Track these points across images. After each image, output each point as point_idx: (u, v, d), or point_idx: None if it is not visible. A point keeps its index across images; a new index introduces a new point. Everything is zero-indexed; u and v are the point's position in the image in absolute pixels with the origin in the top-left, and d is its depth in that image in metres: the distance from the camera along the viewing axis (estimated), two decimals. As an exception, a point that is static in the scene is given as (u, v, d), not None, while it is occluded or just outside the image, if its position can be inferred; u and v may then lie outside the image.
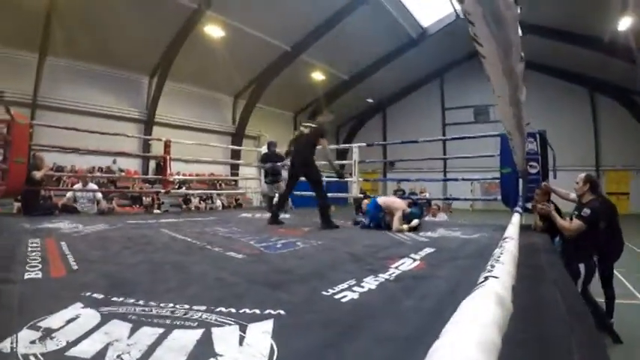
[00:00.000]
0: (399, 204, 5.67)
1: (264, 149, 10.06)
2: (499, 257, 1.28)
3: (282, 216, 7.95)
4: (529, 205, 5.77)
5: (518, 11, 1.54)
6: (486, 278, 0.97)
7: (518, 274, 1.33)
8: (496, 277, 0.97)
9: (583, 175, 4.77)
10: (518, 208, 4.80)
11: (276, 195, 8.28)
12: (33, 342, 1.51)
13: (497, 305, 0.78)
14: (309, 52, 20.27)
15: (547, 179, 6.08)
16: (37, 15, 14.03)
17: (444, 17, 21.03)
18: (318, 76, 22.81)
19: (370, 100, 28.34)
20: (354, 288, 2.44)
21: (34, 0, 13.43)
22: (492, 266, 1.13)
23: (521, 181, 6.18)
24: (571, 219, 4.64)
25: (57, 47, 15.41)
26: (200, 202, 16.57)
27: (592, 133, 23.57)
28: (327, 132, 6.35)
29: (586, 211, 4.35)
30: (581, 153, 22.36)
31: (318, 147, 6.18)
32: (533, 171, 6.15)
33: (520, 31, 1.68)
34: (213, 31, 17.27)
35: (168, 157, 8.84)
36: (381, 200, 5.82)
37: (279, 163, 9.56)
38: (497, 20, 1.47)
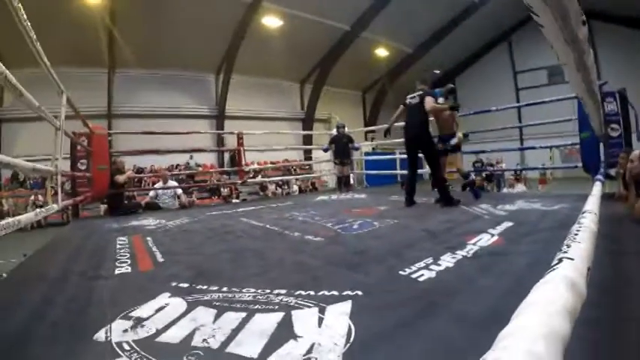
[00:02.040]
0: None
1: (334, 131, 10.05)
2: (575, 235, 1.18)
3: (353, 196, 7.94)
4: (612, 172, 5.34)
5: None
6: (560, 260, 0.90)
7: (598, 248, 1.21)
8: (571, 259, 0.90)
9: (638, 152, 3.99)
10: (599, 176, 4.42)
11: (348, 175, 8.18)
12: (125, 331, 1.61)
13: (570, 291, 0.74)
14: (370, 29, 19.86)
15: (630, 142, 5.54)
16: (99, 33, 14.94)
17: (505, -23, 19.77)
18: (381, 52, 22.37)
19: (437, 72, 27.42)
20: (431, 266, 2.39)
21: (95, 19, 14.28)
22: (568, 246, 1.05)
23: (602, 145, 5.71)
24: None
25: (122, 60, 16.45)
26: (276, 189, 16.92)
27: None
28: (431, 93, 5.83)
29: None
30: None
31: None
32: (615, 134, 5.59)
33: None
34: (271, 21, 17.42)
35: (241, 149, 9.11)
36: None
37: (350, 145, 9.64)
38: (573, 39, 1.34)
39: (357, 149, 10.35)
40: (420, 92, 5.78)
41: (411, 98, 5.89)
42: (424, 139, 5.72)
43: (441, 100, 5.92)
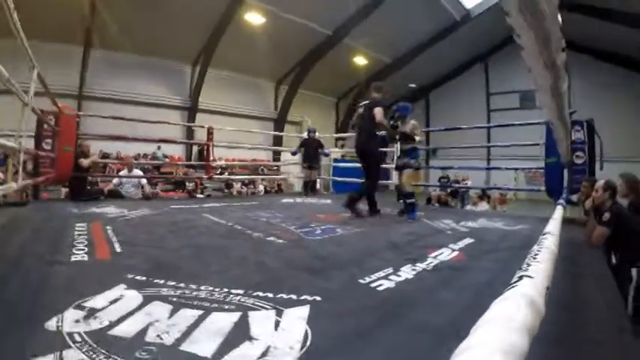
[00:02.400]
0: None
1: (305, 135, 10.10)
2: (536, 255, 1.23)
3: (319, 200, 7.96)
4: (574, 198, 5.53)
5: (557, 0, 1.46)
6: (520, 278, 0.93)
7: (557, 269, 1.27)
8: (530, 277, 0.94)
9: (602, 182, 4.28)
10: (561, 201, 4.60)
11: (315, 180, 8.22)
12: (77, 321, 1.58)
13: (529, 308, 0.76)
14: (351, 36, 19.95)
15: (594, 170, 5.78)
16: (80, 8, 14.44)
17: (488, -2, 20.28)
18: (360, 60, 22.47)
19: (413, 85, 27.76)
20: (391, 277, 2.44)
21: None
22: (528, 265, 1.09)
23: (566, 171, 5.92)
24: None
25: (101, 40, 15.93)
26: (242, 187, 16.76)
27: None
28: (382, 104, 5.80)
29: (606, 215, 3.94)
30: (638, 143, 21.00)
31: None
32: (580, 161, 5.84)
33: (560, 18, 1.58)
34: (254, 18, 17.28)
35: (211, 144, 9.01)
36: None
37: (320, 150, 9.69)
38: (534, 10, 1.40)
39: (326, 155, 10.42)
40: (368, 102, 5.85)
41: (361, 107, 5.97)
42: (367, 150, 5.83)
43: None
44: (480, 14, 20.69)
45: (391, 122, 5.95)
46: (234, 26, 17.01)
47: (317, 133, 9.91)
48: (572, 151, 5.69)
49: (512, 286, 0.87)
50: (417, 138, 5.99)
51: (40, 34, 13.32)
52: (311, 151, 9.58)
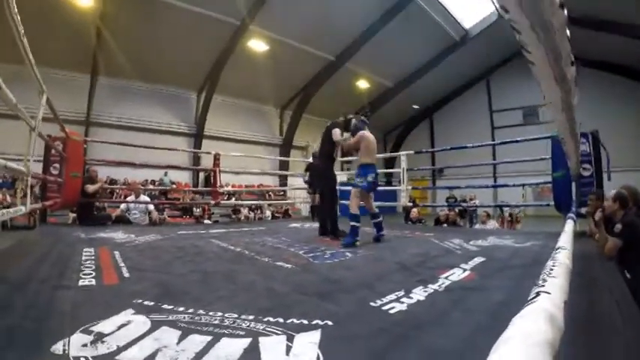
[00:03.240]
0: None
1: (311, 159, 10.04)
2: (551, 270, 1.20)
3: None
4: (583, 211, 5.47)
5: (565, 14, 1.46)
6: (538, 294, 0.90)
7: (572, 285, 1.24)
8: (548, 293, 0.91)
9: (613, 192, 4.25)
10: (571, 214, 4.54)
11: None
12: (84, 345, 1.55)
13: (549, 324, 0.73)
14: (353, 61, 20.23)
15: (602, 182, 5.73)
16: (87, 37, 14.82)
17: (487, 17, 20.35)
18: (362, 84, 22.71)
19: (416, 107, 27.92)
20: (403, 299, 2.39)
21: (85, 23, 14.19)
22: (544, 280, 1.06)
23: (574, 184, 5.87)
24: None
25: (107, 68, 16.30)
26: (249, 212, 16.77)
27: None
28: (340, 125, 5.87)
29: (618, 227, 3.91)
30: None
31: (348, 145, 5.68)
32: (587, 174, 5.81)
33: (568, 32, 1.58)
34: (257, 45, 17.56)
35: (217, 170, 9.04)
36: None
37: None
38: (544, 27, 1.40)
39: None
40: (328, 124, 5.93)
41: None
42: (318, 172, 5.97)
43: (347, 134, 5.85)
44: (479, 33, 20.92)
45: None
46: (238, 54, 17.30)
47: None
48: (579, 163, 5.65)
49: (531, 302, 0.84)
50: (342, 138, 5.77)
51: (48, 61, 13.63)
52: (316, 176, 9.20)
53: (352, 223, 5.00)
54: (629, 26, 15.66)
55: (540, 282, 1.04)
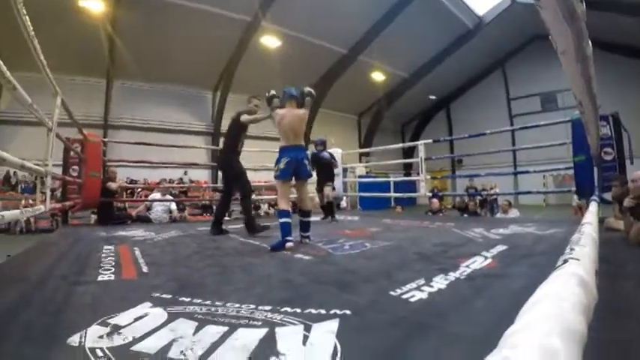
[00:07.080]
0: None
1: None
2: (579, 240, 1.13)
3: (346, 218, 7.81)
4: (606, 196, 5.32)
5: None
6: (566, 261, 0.84)
7: (599, 269, 1.17)
8: (577, 260, 0.84)
9: (638, 172, 4.03)
10: (595, 197, 4.39)
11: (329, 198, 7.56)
12: (101, 337, 1.56)
13: (581, 287, 0.67)
14: (367, 53, 20.13)
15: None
16: (101, 42, 15.11)
17: (500, 3, 20.12)
18: (377, 76, 22.58)
19: (433, 97, 27.66)
20: (423, 287, 2.33)
21: (97, 29, 14.49)
22: (572, 249, 0.99)
23: (596, 169, 5.70)
24: None
25: (122, 71, 16.61)
26: (269, 208, 16.82)
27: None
28: (250, 111, 5.73)
29: None
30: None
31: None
32: (608, 157, 5.63)
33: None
34: (270, 41, 17.62)
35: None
36: None
37: (333, 162, 8.10)
38: (571, 15, 1.35)
39: (336, 167, 8.39)
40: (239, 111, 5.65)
41: None
42: (227, 166, 5.71)
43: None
44: (493, 20, 20.58)
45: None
46: (251, 51, 17.38)
47: (327, 145, 8.39)
48: (600, 147, 5.47)
49: (560, 268, 0.78)
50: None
51: (64, 68, 13.89)
52: (322, 169, 7.77)
53: (280, 221, 4.34)
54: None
55: (568, 250, 0.97)
